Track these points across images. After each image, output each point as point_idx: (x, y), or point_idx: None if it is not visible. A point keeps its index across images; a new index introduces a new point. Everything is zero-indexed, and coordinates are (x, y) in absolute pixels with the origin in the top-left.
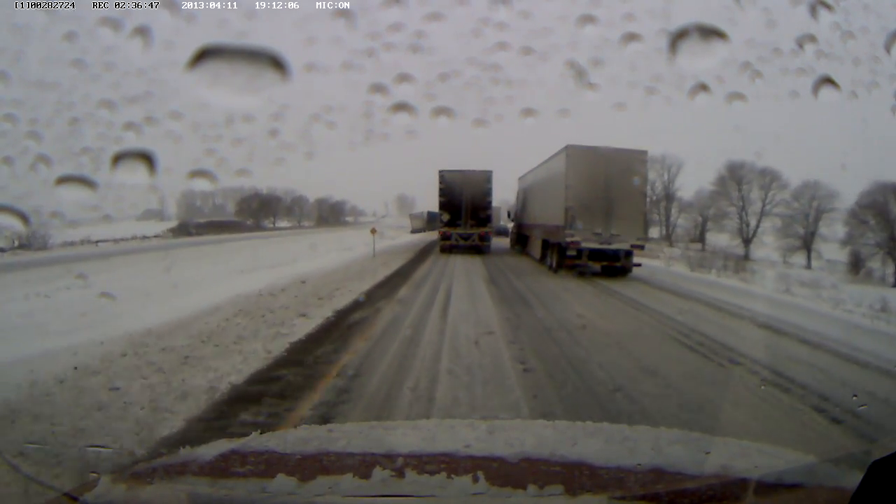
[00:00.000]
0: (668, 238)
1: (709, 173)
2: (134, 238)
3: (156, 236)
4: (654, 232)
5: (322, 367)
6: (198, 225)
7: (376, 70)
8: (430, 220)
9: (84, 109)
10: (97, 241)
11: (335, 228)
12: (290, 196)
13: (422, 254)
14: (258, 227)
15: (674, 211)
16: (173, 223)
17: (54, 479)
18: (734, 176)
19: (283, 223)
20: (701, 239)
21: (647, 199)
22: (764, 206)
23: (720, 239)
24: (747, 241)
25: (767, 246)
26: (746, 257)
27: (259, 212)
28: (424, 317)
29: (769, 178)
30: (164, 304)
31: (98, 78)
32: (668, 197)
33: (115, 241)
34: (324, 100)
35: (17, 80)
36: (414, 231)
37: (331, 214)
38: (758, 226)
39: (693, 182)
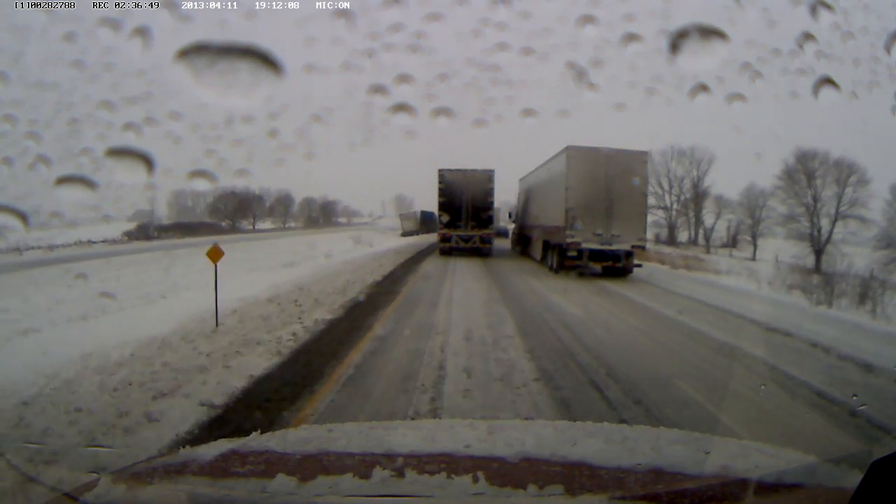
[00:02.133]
0: (700, 242)
1: (741, 169)
2: (77, 243)
3: (104, 241)
4: (683, 236)
5: None
6: (161, 227)
7: (376, 70)
8: (425, 221)
9: (84, 110)
10: (21, 250)
11: (322, 230)
12: (282, 194)
13: (374, 299)
14: (234, 230)
15: (708, 211)
16: (161, 223)
17: (54, 480)
18: (806, 168)
19: (265, 224)
20: (733, 243)
21: (674, 199)
22: (839, 205)
23: (770, 245)
24: (819, 251)
25: (847, 256)
26: (818, 270)
27: (236, 212)
28: None
29: (846, 172)
30: None
31: (98, 78)
32: (699, 195)
33: (51, 247)
34: (324, 100)
35: (17, 80)
36: (405, 234)
37: (322, 215)
38: (832, 231)
39: (721, 178)
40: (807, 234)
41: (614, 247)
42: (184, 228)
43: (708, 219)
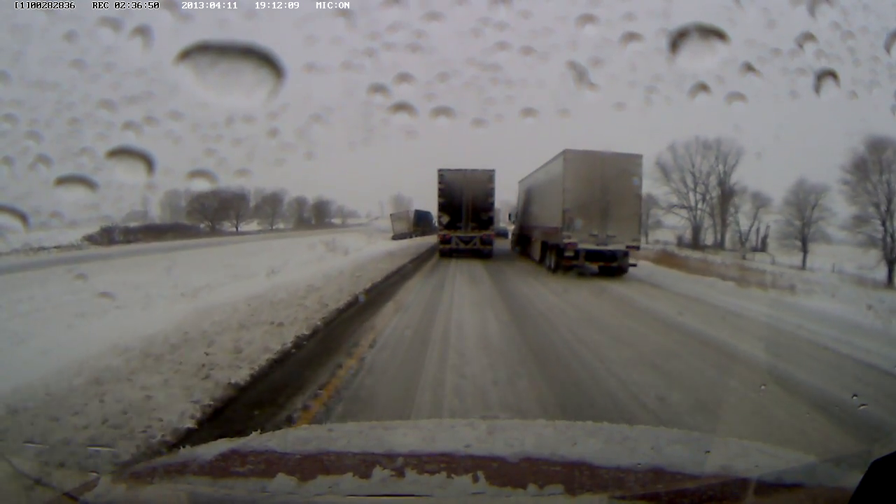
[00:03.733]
0: (727, 246)
1: (753, 166)
2: (27, 250)
3: (56, 247)
4: (708, 238)
5: None
6: (128, 230)
7: (376, 70)
8: (419, 222)
9: (84, 109)
10: None
11: (311, 233)
12: (269, 193)
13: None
14: (214, 232)
15: (740, 211)
16: (129, 226)
17: (54, 479)
18: (880, 161)
19: (251, 226)
20: (763, 247)
21: (699, 198)
22: None
23: (820, 252)
24: (893, 260)
25: None
26: (890, 283)
27: (217, 213)
28: None
29: None
30: None
31: (98, 78)
32: (725, 193)
33: None
34: (324, 100)
35: (17, 80)
36: (396, 236)
37: (315, 215)
38: None
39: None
40: (869, 238)
41: (610, 247)
42: (154, 231)
43: (742, 219)
